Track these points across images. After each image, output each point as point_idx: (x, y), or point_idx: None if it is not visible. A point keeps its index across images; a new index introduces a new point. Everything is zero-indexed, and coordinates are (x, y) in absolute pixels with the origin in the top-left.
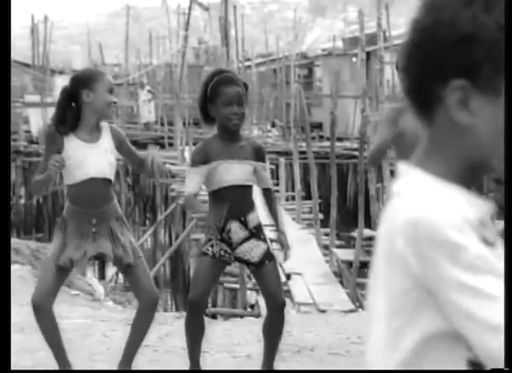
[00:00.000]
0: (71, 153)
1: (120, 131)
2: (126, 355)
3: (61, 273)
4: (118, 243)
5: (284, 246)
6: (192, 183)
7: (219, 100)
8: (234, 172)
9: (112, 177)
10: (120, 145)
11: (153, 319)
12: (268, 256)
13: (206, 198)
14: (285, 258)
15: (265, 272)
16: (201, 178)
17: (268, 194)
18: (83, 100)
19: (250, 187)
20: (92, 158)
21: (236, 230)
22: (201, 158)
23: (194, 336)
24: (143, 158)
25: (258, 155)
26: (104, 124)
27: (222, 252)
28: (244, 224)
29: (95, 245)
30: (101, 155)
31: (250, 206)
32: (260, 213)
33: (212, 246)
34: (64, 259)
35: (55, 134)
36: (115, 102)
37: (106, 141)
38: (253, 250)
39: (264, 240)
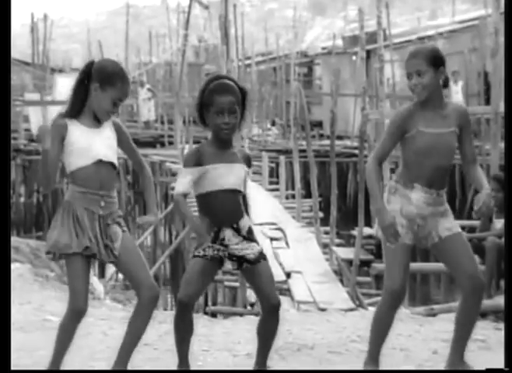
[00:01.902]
0: (75, 138)
1: (122, 125)
2: (122, 355)
3: (88, 264)
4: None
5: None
6: (183, 183)
7: (211, 109)
8: (228, 176)
9: (116, 163)
10: (120, 137)
11: (151, 316)
12: (263, 255)
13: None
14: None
15: (260, 271)
16: (193, 178)
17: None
18: (91, 90)
19: (241, 192)
20: (98, 142)
21: (229, 238)
22: (194, 160)
23: (183, 335)
24: (143, 163)
25: (247, 162)
26: None
27: (215, 252)
28: (237, 230)
29: (103, 238)
30: (105, 140)
31: (241, 211)
32: (261, 214)
33: (204, 250)
34: (84, 244)
35: (63, 125)
36: (113, 113)
37: (107, 129)
38: (248, 249)
39: (257, 242)
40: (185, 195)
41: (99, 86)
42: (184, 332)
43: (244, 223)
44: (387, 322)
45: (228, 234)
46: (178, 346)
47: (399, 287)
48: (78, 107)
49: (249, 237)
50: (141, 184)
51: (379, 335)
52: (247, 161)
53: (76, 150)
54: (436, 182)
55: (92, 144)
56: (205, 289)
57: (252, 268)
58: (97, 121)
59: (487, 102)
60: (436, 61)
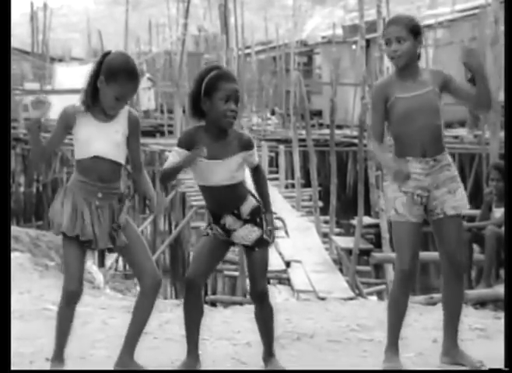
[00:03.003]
0: (80, 129)
1: (138, 120)
2: (128, 343)
3: (83, 250)
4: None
5: (269, 225)
6: (170, 162)
7: (216, 95)
8: (219, 173)
9: (119, 159)
10: (131, 133)
11: (154, 303)
12: (261, 242)
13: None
14: (271, 238)
15: (253, 258)
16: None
17: (256, 171)
18: (98, 83)
19: (238, 183)
20: (98, 137)
21: (230, 223)
22: (187, 143)
23: (191, 318)
24: (142, 168)
25: (246, 147)
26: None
27: (221, 233)
28: (238, 216)
29: (101, 227)
30: (109, 135)
31: (241, 198)
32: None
33: (211, 229)
34: (82, 230)
35: (71, 115)
36: (117, 108)
37: (120, 123)
38: (247, 236)
39: (260, 225)
40: None
41: (105, 80)
42: (192, 315)
43: (246, 207)
44: (401, 305)
45: (229, 220)
46: (187, 331)
47: (409, 267)
48: (89, 99)
49: (252, 219)
50: (137, 186)
51: (395, 320)
52: (247, 145)
53: (78, 142)
54: (428, 148)
55: (92, 140)
56: (212, 268)
57: (248, 253)
58: (110, 114)
59: None
60: (416, 29)
